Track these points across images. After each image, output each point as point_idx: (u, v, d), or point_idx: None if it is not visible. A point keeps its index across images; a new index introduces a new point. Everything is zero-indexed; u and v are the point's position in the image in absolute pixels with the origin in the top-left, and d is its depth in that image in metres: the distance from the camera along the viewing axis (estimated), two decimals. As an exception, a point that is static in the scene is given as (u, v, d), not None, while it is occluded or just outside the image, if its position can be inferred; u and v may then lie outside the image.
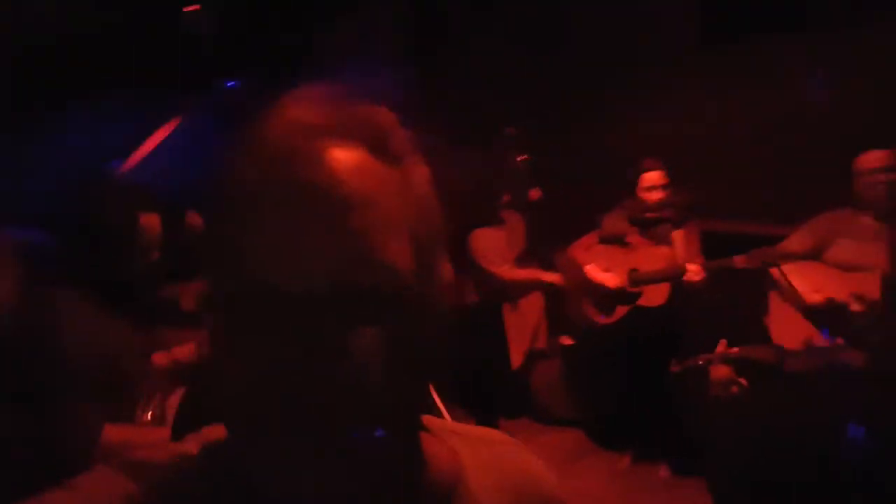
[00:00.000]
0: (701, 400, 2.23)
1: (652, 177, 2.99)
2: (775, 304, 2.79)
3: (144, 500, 0.44)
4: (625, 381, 2.93)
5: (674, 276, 2.87)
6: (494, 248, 3.24)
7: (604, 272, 3.07)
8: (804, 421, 1.80)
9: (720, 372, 2.11)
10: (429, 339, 0.44)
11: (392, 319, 0.41)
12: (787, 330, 2.71)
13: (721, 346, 2.24)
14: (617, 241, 3.12)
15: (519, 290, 3.32)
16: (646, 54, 3.65)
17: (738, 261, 2.69)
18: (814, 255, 2.67)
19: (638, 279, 3.00)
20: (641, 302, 3.00)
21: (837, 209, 2.72)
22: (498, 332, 3.38)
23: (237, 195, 0.42)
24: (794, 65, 3.33)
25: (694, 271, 2.79)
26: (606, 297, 3.07)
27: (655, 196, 2.99)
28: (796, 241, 2.72)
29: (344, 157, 0.41)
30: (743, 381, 2.05)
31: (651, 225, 3.04)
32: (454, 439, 0.53)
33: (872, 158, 2.60)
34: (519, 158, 3.43)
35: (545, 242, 3.39)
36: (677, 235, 3.01)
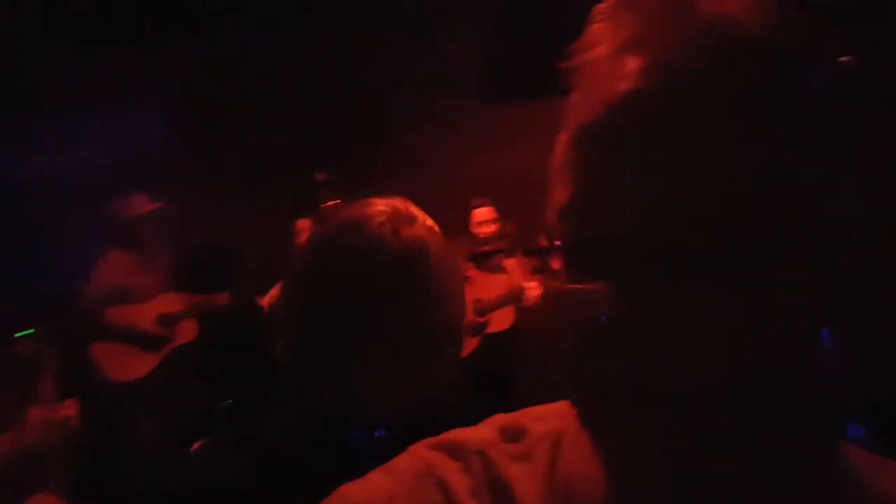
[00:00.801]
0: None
1: (482, 213, 3.19)
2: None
3: (466, 487, 0.40)
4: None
5: (515, 298, 3.07)
6: None
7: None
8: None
9: None
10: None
11: (779, 280, 0.31)
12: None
13: None
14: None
15: None
16: (442, 108, 4.02)
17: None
18: None
19: (483, 308, 3.13)
20: (489, 329, 3.13)
21: None
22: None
23: (582, 135, 0.35)
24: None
25: (532, 287, 3.01)
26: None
27: (487, 230, 3.18)
28: None
29: (690, 73, 0.32)
30: None
31: (486, 258, 3.23)
32: (879, 476, 0.39)
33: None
34: (329, 203, 3.42)
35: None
36: (510, 263, 3.23)
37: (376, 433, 0.85)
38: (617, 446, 0.35)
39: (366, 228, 0.79)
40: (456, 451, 0.42)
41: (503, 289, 3.12)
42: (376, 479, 0.42)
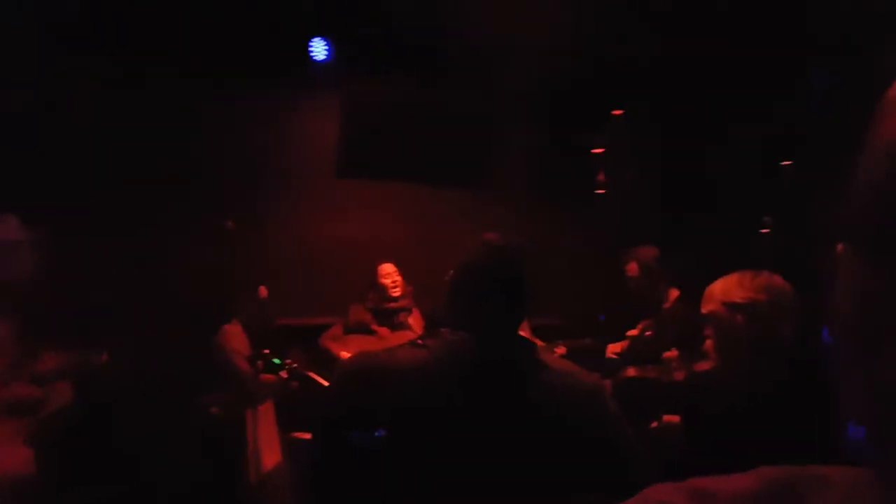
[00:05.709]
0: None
1: (387, 267, 3.53)
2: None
3: None
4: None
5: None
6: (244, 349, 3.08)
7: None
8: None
9: None
10: None
11: None
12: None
13: None
14: (363, 330, 3.47)
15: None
16: (297, 179, 4.36)
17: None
18: None
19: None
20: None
21: None
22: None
23: None
24: (414, 204, 4.52)
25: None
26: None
27: (393, 281, 3.51)
28: None
29: None
30: None
31: (391, 314, 3.54)
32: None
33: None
34: None
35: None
36: (412, 321, 3.59)
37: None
38: None
39: None
40: (707, 499, 0.38)
41: (412, 345, 3.45)
42: None
